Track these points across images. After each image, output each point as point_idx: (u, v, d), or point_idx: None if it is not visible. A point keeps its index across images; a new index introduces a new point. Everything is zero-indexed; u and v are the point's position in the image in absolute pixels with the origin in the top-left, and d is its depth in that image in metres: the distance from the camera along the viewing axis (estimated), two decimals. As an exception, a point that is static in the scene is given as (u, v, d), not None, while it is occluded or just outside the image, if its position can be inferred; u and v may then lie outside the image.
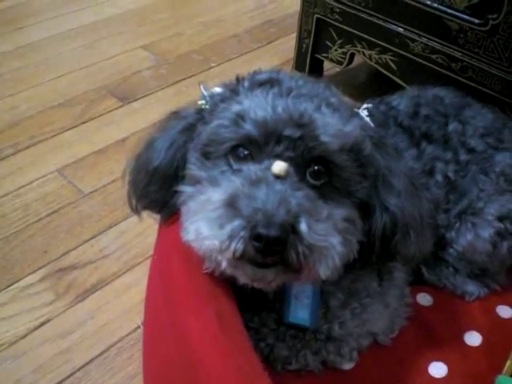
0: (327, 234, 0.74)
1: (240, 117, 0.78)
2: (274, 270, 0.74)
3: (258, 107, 0.77)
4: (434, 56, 1.52)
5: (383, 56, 1.66)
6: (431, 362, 0.99)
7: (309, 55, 1.87)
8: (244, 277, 0.76)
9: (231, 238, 0.70)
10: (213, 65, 2.06)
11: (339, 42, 1.77)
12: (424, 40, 1.52)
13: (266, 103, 0.78)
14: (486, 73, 1.44)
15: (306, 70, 1.89)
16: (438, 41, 1.50)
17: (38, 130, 1.72)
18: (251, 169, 0.76)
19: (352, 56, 1.77)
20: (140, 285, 0.97)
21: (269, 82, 0.81)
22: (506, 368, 0.94)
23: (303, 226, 0.71)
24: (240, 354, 0.74)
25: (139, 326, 1.16)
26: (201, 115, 0.85)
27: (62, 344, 1.17)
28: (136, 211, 0.91)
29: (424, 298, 1.10)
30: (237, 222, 0.70)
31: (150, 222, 1.29)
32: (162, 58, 2.08)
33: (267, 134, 0.76)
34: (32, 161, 1.62)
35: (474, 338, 1.03)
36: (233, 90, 0.83)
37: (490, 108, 1.14)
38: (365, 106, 0.92)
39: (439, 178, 1.03)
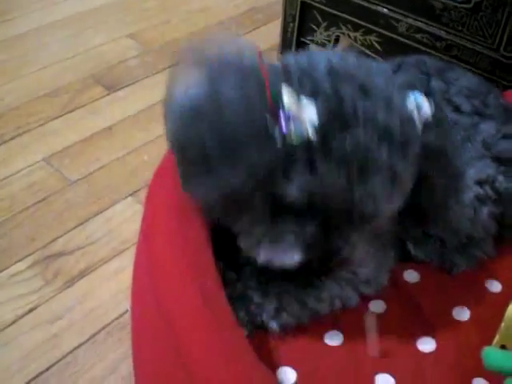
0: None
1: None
2: None
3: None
4: (418, 35, 1.52)
5: (368, 37, 1.65)
6: (419, 338, 0.98)
7: (294, 39, 1.86)
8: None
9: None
10: (199, 51, 2.05)
11: (324, 24, 1.76)
12: (409, 20, 1.52)
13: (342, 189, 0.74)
14: (470, 51, 1.44)
15: (292, 55, 1.89)
16: (423, 20, 1.50)
17: (24, 120, 1.72)
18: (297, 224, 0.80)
19: (337, 38, 1.77)
20: (127, 270, 0.97)
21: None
22: (495, 341, 0.94)
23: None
24: (224, 329, 0.74)
25: (127, 311, 1.16)
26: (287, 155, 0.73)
27: (50, 330, 1.17)
28: None
29: (410, 275, 1.09)
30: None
31: (136, 208, 1.29)
32: (148, 47, 2.08)
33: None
34: (18, 151, 1.61)
35: (462, 313, 1.03)
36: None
37: (475, 74, 1.14)
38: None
39: None
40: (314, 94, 0.72)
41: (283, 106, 0.71)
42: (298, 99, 0.72)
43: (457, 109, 1.06)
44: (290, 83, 0.73)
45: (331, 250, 0.82)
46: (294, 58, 0.81)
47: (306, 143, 0.71)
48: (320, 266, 0.86)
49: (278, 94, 0.71)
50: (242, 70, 0.74)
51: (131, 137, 1.64)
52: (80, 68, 1.96)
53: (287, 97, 0.72)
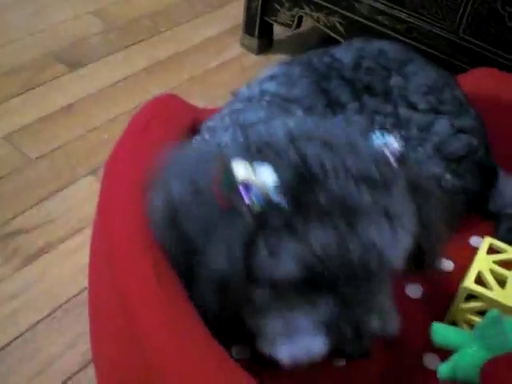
0: None
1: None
2: None
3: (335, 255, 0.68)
4: (379, 17, 1.53)
5: (331, 18, 1.66)
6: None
7: (258, 19, 1.86)
8: None
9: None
10: (162, 30, 2.05)
11: (287, 4, 1.76)
12: (370, 1, 1.53)
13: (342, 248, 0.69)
14: (430, 33, 1.46)
15: (256, 34, 1.89)
16: (384, 2, 1.51)
17: (-15, 97, 1.70)
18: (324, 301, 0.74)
19: (300, 19, 1.78)
20: (86, 248, 0.97)
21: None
22: (445, 319, 0.97)
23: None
24: (176, 305, 0.74)
25: (86, 288, 1.16)
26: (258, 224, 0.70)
27: (9, 307, 1.17)
28: None
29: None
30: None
31: (96, 186, 1.28)
32: (111, 24, 2.06)
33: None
34: (-22, 129, 1.60)
35: (415, 290, 1.05)
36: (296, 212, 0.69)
37: (433, 65, 1.15)
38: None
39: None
40: (274, 159, 0.71)
41: (240, 181, 0.69)
42: (253, 168, 0.70)
43: (412, 106, 1.08)
44: (249, 155, 0.72)
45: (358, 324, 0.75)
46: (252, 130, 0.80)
47: (277, 209, 0.68)
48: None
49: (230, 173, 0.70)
50: (195, 175, 0.75)
51: (92, 115, 1.63)
52: (42, 45, 1.93)
53: (242, 169, 0.70)
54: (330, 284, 0.71)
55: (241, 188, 0.69)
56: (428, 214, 0.82)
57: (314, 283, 0.71)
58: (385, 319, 0.78)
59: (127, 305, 0.76)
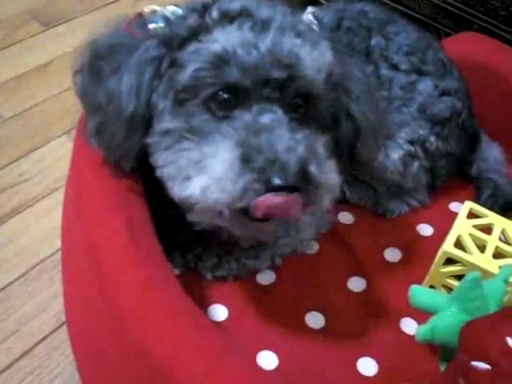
0: (331, 171, 0.75)
1: (222, 60, 0.72)
2: (276, 222, 0.74)
3: (240, 48, 0.72)
4: (363, -21, 1.51)
5: (313, -21, 1.63)
6: (350, 277, 1.00)
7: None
8: (242, 230, 0.77)
9: (245, 190, 0.68)
10: (141, -11, 2.00)
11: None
12: (353, -37, 1.50)
13: (247, 42, 0.72)
14: (414, -4, 1.44)
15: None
16: (368, -37, 1.48)
17: (-44, 56, 1.65)
18: (243, 118, 0.73)
19: (282, -20, 1.74)
20: (60, 208, 0.95)
21: (241, 14, 0.75)
22: (424, 282, 0.97)
23: (314, 169, 0.71)
24: (149, 263, 0.73)
25: (60, 249, 1.14)
26: (166, 49, 0.77)
27: (-19, 267, 1.15)
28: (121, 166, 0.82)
29: (345, 217, 1.10)
30: (250, 176, 0.68)
31: (71, 146, 1.25)
32: (89, -18, 2.01)
33: (254, 78, 0.72)
34: (-51, 88, 1.56)
35: (393, 254, 1.05)
36: (201, 21, 0.76)
37: (416, 26, 1.14)
38: (309, 10, 0.88)
39: None
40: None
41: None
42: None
43: (394, 67, 1.07)
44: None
45: None
46: None
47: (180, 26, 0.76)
48: None
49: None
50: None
51: (67, 74, 1.56)
52: (16, 3, 1.88)
53: (152, 8, 0.80)
54: (242, 97, 0.74)
55: (146, 18, 0.78)
56: (357, 101, 0.85)
57: (227, 99, 0.74)
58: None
59: (99, 263, 0.74)
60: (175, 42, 0.76)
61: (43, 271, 1.14)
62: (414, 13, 1.44)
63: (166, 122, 0.76)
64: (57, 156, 1.36)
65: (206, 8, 0.77)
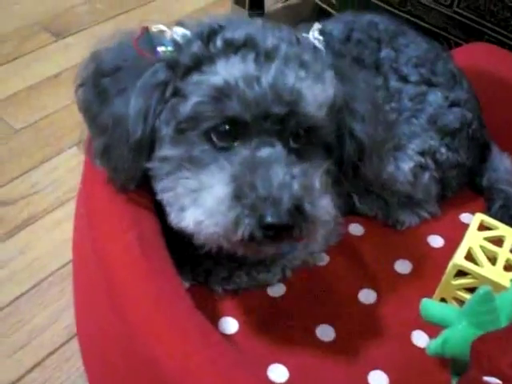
0: (326, 206, 0.76)
1: (223, 93, 0.72)
2: (277, 245, 0.76)
3: (242, 82, 0.72)
4: (372, -10, 1.51)
5: (324, -9, 1.64)
6: (361, 289, 0.99)
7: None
8: (246, 252, 0.78)
9: (237, 225, 0.69)
10: (150, 0, 2.01)
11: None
12: (363, -27, 1.51)
13: (250, 76, 0.72)
14: (423, 6, 1.44)
15: (246, 6, 1.86)
16: (377, -26, 1.49)
17: (-31, 67, 1.66)
18: (241, 151, 0.74)
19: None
20: (71, 220, 0.95)
21: (245, 44, 0.75)
22: (435, 294, 0.96)
23: (308, 207, 0.72)
24: (160, 278, 0.73)
25: (70, 261, 1.14)
26: (172, 74, 0.76)
27: (-9, 280, 1.15)
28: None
29: (356, 228, 1.10)
30: (240, 210, 0.69)
31: (82, 157, 1.26)
32: (99, -7, 2.02)
33: (255, 113, 0.72)
34: (-39, 97, 1.56)
35: (404, 266, 1.04)
36: (204, 50, 0.75)
37: (425, 37, 1.13)
38: (316, 27, 0.88)
39: None
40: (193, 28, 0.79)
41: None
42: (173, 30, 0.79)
43: (404, 78, 1.07)
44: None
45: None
46: None
47: (186, 52, 0.76)
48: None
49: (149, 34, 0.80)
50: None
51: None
52: (27, 14, 1.89)
53: (159, 28, 0.80)
54: (242, 130, 0.74)
55: (154, 40, 0.78)
56: (361, 121, 0.85)
57: (227, 131, 0.74)
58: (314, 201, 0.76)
59: (109, 277, 0.75)
60: (180, 70, 0.76)
61: (54, 283, 1.13)
62: (423, 23, 1.43)
63: (167, 150, 0.76)
64: (68, 167, 1.36)
65: (211, 35, 0.76)
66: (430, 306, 0.86)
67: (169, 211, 0.77)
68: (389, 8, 1.49)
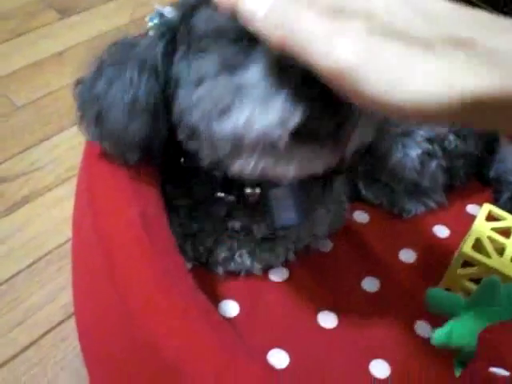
0: None
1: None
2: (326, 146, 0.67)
3: None
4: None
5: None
6: (364, 278, 0.98)
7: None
8: (295, 164, 0.68)
9: (293, 103, 0.60)
10: (161, -21, 1.98)
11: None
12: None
13: None
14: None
15: None
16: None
17: (-29, 42, 1.65)
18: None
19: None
20: (72, 198, 0.93)
21: None
22: (439, 285, 0.95)
23: None
24: (162, 257, 0.71)
25: (69, 239, 1.13)
26: (171, 31, 0.73)
27: (-11, 256, 1.13)
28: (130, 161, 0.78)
29: (360, 216, 1.09)
30: (291, 88, 0.60)
31: (83, 137, 1.25)
32: (106, -29, 1.99)
33: None
34: (-37, 72, 1.55)
35: (408, 255, 1.03)
36: None
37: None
38: None
39: None
40: None
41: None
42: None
43: None
44: None
45: None
46: None
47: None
48: None
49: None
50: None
51: (82, 64, 1.57)
52: (33, -10, 1.87)
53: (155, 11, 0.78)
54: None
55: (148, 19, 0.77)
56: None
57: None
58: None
59: (110, 255, 0.73)
60: (180, 21, 0.73)
61: (52, 262, 1.12)
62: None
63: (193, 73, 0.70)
64: (69, 145, 1.35)
65: None
66: (436, 295, 0.84)
67: (205, 127, 0.67)
68: None
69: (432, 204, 1.10)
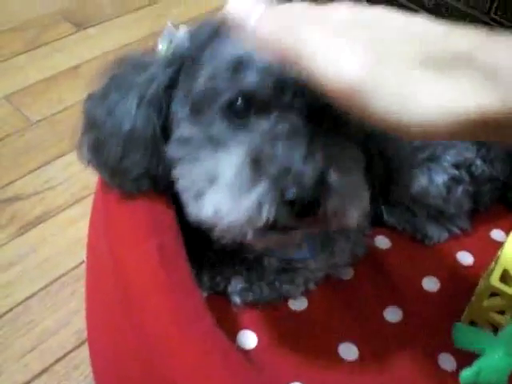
0: (356, 181, 0.68)
1: (240, 63, 0.65)
2: (303, 230, 0.68)
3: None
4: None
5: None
6: (387, 307, 0.95)
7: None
8: (270, 244, 0.73)
9: (261, 205, 0.61)
10: (175, -7, 1.98)
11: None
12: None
13: None
14: (459, 12, 1.41)
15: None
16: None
17: (-15, 53, 1.64)
18: (260, 125, 0.66)
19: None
20: (86, 218, 0.92)
21: None
22: (464, 315, 0.92)
23: (334, 178, 0.63)
24: (180, 290, 0.69)
25: (83, 261, 1.12)
26: (177, 62, 0.72)
27: (2, 278, 1.12)
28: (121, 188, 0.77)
29: (382, 241, 1.06)
30: (263, 186, 0.61)
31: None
32: (122, -15, 1.98)
33: (275, 83, 0.65)
34: (-22, 86, 1.54)
35: (432, 284, 1.00)
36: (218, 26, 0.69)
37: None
38: None
39: None
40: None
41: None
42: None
43: None
44: None
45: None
46: None
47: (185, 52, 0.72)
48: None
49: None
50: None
51: (98, 78, 1.56)
52: (49, 2, 1.87)
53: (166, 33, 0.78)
54: (261, 104, 0.66)
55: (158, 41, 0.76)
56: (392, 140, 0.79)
57: (243, 107, 0.67)
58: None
59: (126, 285, 0.71)
60: (188, 55, 0.72)
61: (65, 284, 1.11)
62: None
63: (183, 129, 0.71)
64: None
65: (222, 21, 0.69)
66: (463, 331, 0.82)
67: (186, 200, 0.69)
68: (422, 11, 1.45)
69: (456, 230, 1.08)
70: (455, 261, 1.05)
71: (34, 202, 1.26)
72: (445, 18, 1.33)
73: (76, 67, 1.62)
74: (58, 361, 1.00)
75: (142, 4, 1.89)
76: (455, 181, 1.01)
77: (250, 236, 0.65)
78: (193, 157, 0.69)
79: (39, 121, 1.45)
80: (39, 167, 1.33)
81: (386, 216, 1.07)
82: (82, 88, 1.50)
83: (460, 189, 1.02)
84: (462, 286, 0.98)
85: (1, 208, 1.24)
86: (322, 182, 0.63)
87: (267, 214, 0.61)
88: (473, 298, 0.91)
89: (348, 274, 0.99)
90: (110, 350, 0.81)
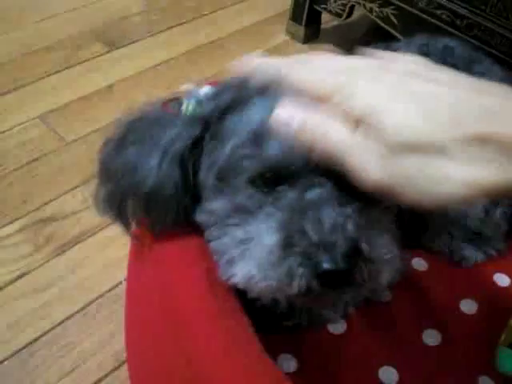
0: (386, 244, 0.68)
1: (260, 135, 0.65)
2: (336, 295, 0.69)
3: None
4: (438, 12, 1.46)
5: (384, 9, 1.59)
6: (425, 330, 0.95)
7: (307, 6, 1.79)
8: (305, 304, 0.76)
9: (291, 277, 0.62)
10: (205, 12, 1.98)
11: (339, -8, 1.70)
12: (429, -6, 1.46)
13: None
14: (492, 32, 1.39)
15: (303, 22, 1.82)
16: (444, -5, 1.44)
17: (20, 73, 1.66)
18: (288, 194, 0.65)
19: (352, 8, 1.70)
20: (123, 238, 0.92)
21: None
22: (502, 338, 0.91)
23: (365, 247, 0.64)
24: (229, 316, 0.69)
25: (122, 282, 1.12)
26: (201, 124, 0.71)
27: (39, 298, 1.13)
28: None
29: (419, 263, 1.05)
30: (294, 260, 0.62)
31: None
32: (154, 4, 2.01)
33: (298, 155, 0.64)
34: (13, 106, 1.56)
35: (470, 306, 0.99)
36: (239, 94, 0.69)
37: (501, 66, 1.09)
38: None
39: None
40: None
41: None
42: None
43: None
44: None
45: None
46: None
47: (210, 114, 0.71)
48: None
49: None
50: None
51: (132, 97, 1.58)
52: (81, 22, 1.89)
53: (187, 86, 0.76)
54: (287, 172, 0.66)
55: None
56: None
57: (270, 177, 0.66)
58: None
59: (173, 312, 0.71)
60: (213, 115, 0.70)
61: (103, 305, 1.11)
62: (491, 49, 1.38)
63: (211, 201, 0.70)
64: (121, 183, 1.34)
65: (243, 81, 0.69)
66: (508, 357, 0.81)
67: (218, 262, 0.70)
68: (454, 31, 1.44)
69: (492, 252, 1.07)
70: (492, 282, 1.04)
71: (70, 222, 1.26)
72: (476, 38, 1.33)
73: (110, 86, 1.64)
74: (96, 383, 1.01)
75: (173, 23, 1.90)
76: (493, 203, 1.01)
77: (282, 302, 0.68)
78: (222, 224, 0.69)
79: (74, 140, 1.46)
80: (75, 187, 1.34)
81: (422, 238, 1.06)
82: (116, 107, 1.53)
83: (498, 211, 1.01)
84: (500, 309, 0.98)
85: (38, 228, 1.25)
86: (353, 251, 0.63)
87: (298, 287, 0.62)
88: (510, 321, 0.90)
89: (386, 296, 0.99)
90: (152, 373, 0.81)
